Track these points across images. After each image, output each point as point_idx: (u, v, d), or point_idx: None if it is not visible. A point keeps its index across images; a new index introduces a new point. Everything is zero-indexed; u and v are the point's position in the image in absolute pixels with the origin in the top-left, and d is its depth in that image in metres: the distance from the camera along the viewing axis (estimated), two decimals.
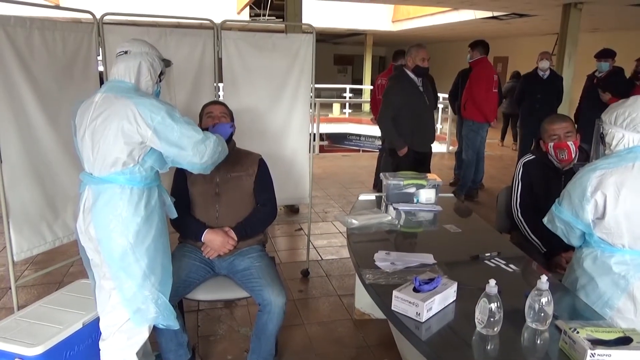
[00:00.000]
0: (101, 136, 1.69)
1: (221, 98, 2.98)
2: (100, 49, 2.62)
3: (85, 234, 1.77)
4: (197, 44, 2.81)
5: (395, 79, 3.87)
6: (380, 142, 6.53)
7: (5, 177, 2.23)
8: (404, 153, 3.72)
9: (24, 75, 2.25)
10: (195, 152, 1.75)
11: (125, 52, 1.79)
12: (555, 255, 2.25)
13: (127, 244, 1.69)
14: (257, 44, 2.92)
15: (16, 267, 2.46)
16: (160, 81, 1.88)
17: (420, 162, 3.75)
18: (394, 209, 2.41)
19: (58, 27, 2.40)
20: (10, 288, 2.41)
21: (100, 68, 2.66)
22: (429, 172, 3.54)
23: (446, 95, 5.83)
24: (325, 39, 17.08)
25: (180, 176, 2.26)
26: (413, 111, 3.69)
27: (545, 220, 1.87)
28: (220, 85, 2.98)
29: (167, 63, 1.90)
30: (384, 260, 1.84)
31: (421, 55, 3.62)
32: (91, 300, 1.97)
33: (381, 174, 2.69)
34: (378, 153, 5.81)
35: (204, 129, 1.91)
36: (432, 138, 3.98)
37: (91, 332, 1.95)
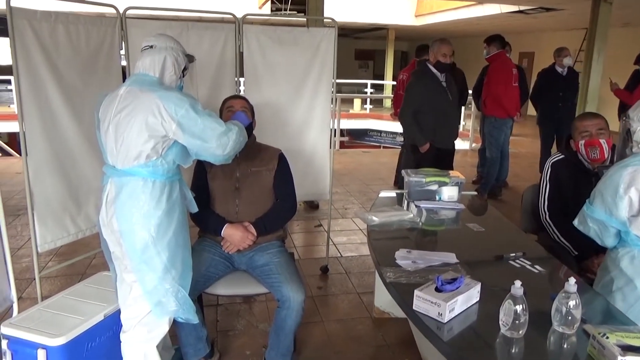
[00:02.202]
0: (125, 129, 1.71)
1: (242, 92, 2.98)
2: (123, 42, 2.65)
3: (107, 226, 1.79)
4: (218, 38, 2.82)
5: (418, 74, 3.83)
6: (401, 139, 6.46)
7: (31, 170, 2.28)
8: (426, 149, 3.69)
9: (48, 69, 2.29)
10: (219, 144, 1.77)
11: (151, 47, 1.80)
12: (585, 259, 2.18)
13: (149, 237, 1.71)
14: (278, 38, 2.92)
15: (40, 258, 2.52)
16: (183, 76, 1.90)
17: (442, 159, 3.70)
18: (416, 206, 2.39)
19: (82, 21, 2.43)
20: (34, 279, 2.47)
21: (123, 62, 2.70)
22: (452, 169, 3.49)
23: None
24: (347, 33, 16.98)
25: (201, 171, 2.27)
26: (435, 107, 3.64)
27: (576, 222, 1.82)
28: (241, 79, 2.99)
29: (190, 58, 1.92)
30: (405, 258, 1.82)
31: (443, 50, 3.57)
32: (112, 293, 2.00)
33: (403, 170, 2.66)
34: (399, 149, 5.77)
35: None
36: (455, 134, 3.93)
37: (112, 324, 1.98)
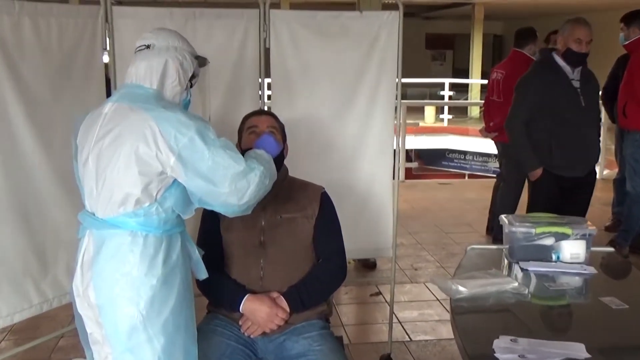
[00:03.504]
0: (109, 162, 1.77)
1: (268, 105, 3.05)
2: (108, 39, 2.77)
3: (83, 297, 1.85)
4: (235, 30, 2.92)
5: (538, 65, 3.88)
6: (496, 164, 6.38)
7: None
8: (537, 176, 3.66)
9: (8, 76, 2.43)
10: (233, 189, 1.78)
11: (148, 47, 1.87)
12: None
13: (138, 315, 1.75)
14: (319, 26, 2.99)
15: None
16: (191, 87, 1.96)
17: (571, 195, 3.63)
18: (522, 269, 2.36)
19: (54, 12, 2.58)
20: None
21: (106, 59, 2.81)
22: (584, 213, 3.40)
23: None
24: (414, 12, 17.20)
25: (211, 219, 2.31)
26: (557, 114, 3.61)
27: None
28: (267, 81, 3.05)
29: (201, 62, 1.98)
30: (509, 350, 1.78)
31: (577, 34, 3.54)
32: None
33: (501, 215, 2.63)
34: (494, 180, 5.71)
35: (245, 151, 1.95)
36: (592, 158, 3.88)
37: None
